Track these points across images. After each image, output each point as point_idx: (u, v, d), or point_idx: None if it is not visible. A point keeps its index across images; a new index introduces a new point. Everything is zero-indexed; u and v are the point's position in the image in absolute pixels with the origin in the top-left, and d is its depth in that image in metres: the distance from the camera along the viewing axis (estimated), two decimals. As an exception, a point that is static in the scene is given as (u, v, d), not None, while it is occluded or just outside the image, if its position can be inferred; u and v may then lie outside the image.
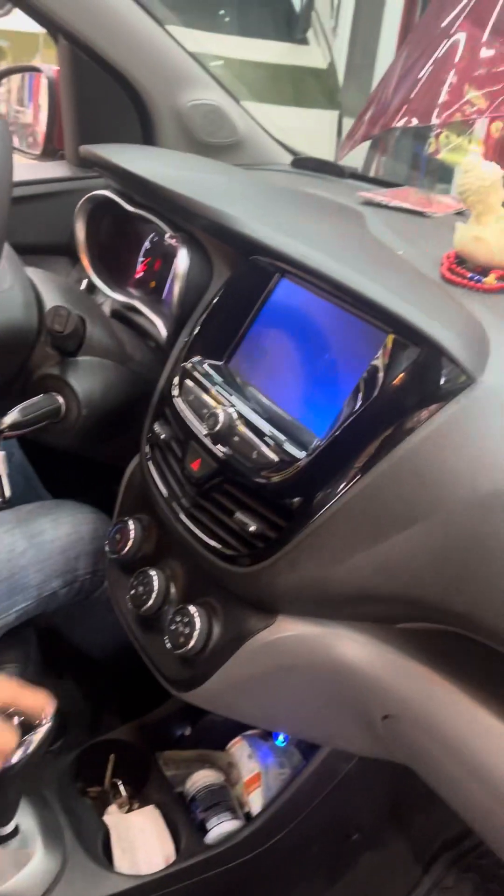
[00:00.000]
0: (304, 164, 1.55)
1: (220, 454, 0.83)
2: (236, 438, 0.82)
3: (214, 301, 0.96)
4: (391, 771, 0.98)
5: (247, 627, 0.80)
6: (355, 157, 1.67)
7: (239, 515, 0.79)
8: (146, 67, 1.35)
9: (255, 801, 1.10)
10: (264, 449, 0.78)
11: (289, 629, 0.78)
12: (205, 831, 1.05)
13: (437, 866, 1.22)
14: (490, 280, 0.89)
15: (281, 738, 1.17)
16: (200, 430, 0.85)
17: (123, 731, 1.17)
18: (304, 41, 3.57)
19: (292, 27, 3.54)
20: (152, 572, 0.90)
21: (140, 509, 1.00)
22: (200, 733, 1.21)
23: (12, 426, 0.93)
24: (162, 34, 1.33)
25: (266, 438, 0.79)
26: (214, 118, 1.46)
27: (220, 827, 1.05)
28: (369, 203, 1.23)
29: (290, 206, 1.08)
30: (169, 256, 1.23)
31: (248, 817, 1.09)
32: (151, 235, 1.28)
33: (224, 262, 1.01)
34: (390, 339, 0.75)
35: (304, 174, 1.52)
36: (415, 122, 1.49)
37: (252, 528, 0.77)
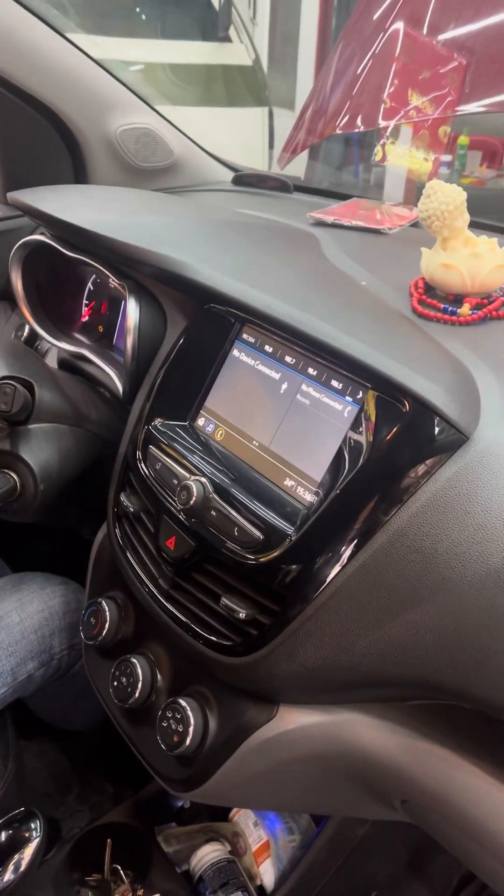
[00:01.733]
0: (246, 180, 1.49)
1: (197, 531, 0.76)
2: (213, 513, 0.75)
3: (172, 355, 0.89)
4: (407, 825, 0.93)
5: (246, 721, 0.73)
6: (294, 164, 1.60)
7: (226, 600, 0.72)
8: (70, 96, 1.27)
9: (267, 873, 1.04)
10: (246, 525, 0.71)
11: (292, 721, 0.72)
12: (217, 914, 0.99)
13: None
14: (464, 311, 0.83)
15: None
16: (172, 504, 0.78)
17: (119, 813, 1.10)
18: (226, 39, 3.48)
19: (214, 26, 3.45)
20: (134, 660, 0.82)
21: (113, 586, 0.92)
22: (200, 804, 1.15)
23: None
24: (84, 60, 1.25)
25: (247, 513, 0.73)
26: (147, 142, 1.38)
27: (233, 908, 0.99)
28: (320, 224, 1.17)
29: (241, 242, 1.00)
30: (115, 300, 1.15)
31: (262, 891, 1.03)
32: (93, 278, 1.20)
33: (177, 309, 0.93)
34: (370, 395, 0.69)
35: (246, 192, 1.45)
36: (359, 126, 1.44)
37: (242, 615, 0.71)
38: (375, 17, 1.48)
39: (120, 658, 0.84)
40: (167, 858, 1.06)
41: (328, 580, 0.65)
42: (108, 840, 1.08)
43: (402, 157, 1.30)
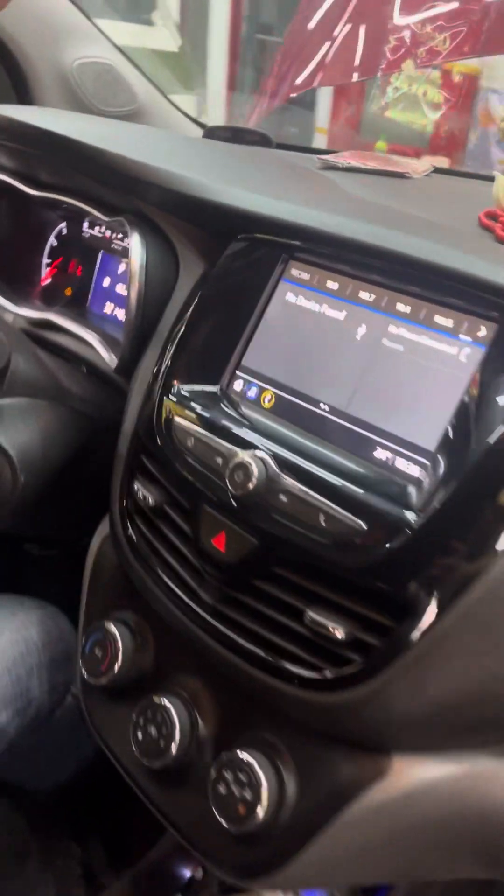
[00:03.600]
0: (219, 134, 1.29)
1: (259, 525, 0.56)
2: (283, 498, 0.55)
3: (195, 304, 0.69)
4: (483, 882, 0.75)
5: (344, 780, 0.54)
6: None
7: (313, 615, 0.53)
8: (15, 13, 1.04)
9: None
10: (339, 511, 0.52)
11: (413, 776, 0.52)
12: None
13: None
14: None
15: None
16: (219, 489, 0.58)
17: (117, 891, 0.87)
18: (148, 22, 3.28)
19: (136, 6, 3.24)
20: (166, 702, 0.61)
21: (122, 605, 0.71)
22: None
23: None
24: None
25: (335, 495, 0.53)
26: (109, 81, 1.17)
27: None
28: (331, 168, 0.99)
29: (258, 169, 0.82)
30: (90, 253, 0.94)
31: None
32: (58, 229, 0.98)
33: (193, 248, 0.73)
34: (489, 327, 0.52)
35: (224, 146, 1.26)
36: (356, 77, 1.28)
37: (339, 635, 0.51)
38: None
39: (142, 701, 0.63)
40: None
41: (476, 577, 0.47)
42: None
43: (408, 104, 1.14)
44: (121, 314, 0.89)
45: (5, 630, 0.80)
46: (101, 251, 0.93)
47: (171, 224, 0.73)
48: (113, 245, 0.89)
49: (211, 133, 1.30)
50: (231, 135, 1.29)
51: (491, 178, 1.02)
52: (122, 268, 0.90)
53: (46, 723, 0.84)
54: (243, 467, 0.56)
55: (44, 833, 1.21)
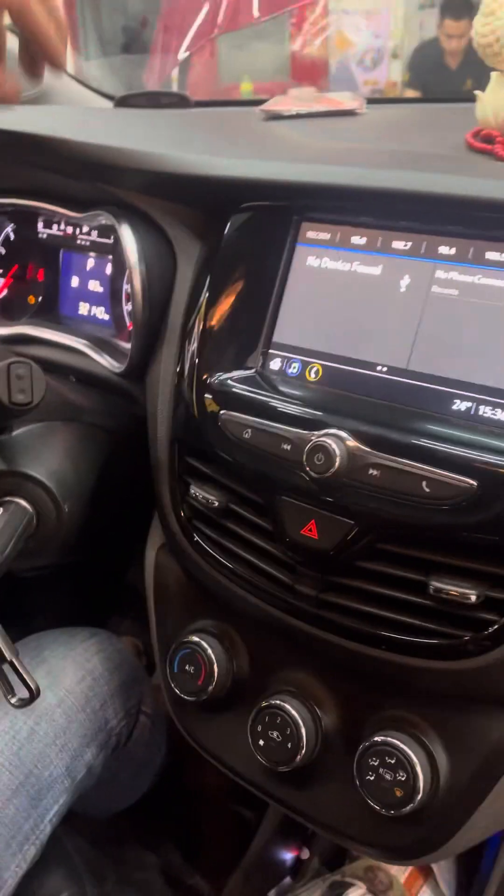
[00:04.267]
0: (133, 102, 1.22)
1: (352, 504, 0.54)
2: (374, 472, 0.52)
3: (208, 287, 0.65)
4: None
5: (499, 741, 0.53)
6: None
7: (437, 584, 0.51)
8: None
9: (430, 900, 0.85)
10: (442, 474, 0.50)
11: None
12: None
13: None
14: None
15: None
16: (296, 476, 0.55)
17: (233, 886, 0.85)
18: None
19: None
20: (283, 703, 0.59)
21: (197, 615, 0.67)
22: (322, 845, 0.93)
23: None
24: None
25: (430, 458, 0.51)
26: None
27: None
28: (277, 117, 0.95)
29: (217, 133, 0.77)
30: (48, 255, 0.88)
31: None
32: (4, 235, 0.91)
33: (186, 230, 0.69)
34: None
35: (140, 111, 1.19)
36: (257, 15, 1.23)
37: (473, 598, 0.50)
38: None
39: (255, 708, 0.60)
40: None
41: None
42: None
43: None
44: (101, 313, 0.84)
45: (68, 667, 0.75)
46: (62, 250, 0.87)
47: (159, 208, 0.68)
48: (79, 242, 0.83)
49: (124, 102, 1.23)
50: (147, 100, 1.22)
51: (415, 100, 1.00)
52: (91, 264, 0.84)
53: (125, 748, 0.81)
54: (322, 449, 0.53)
55: (116, 850, 1.19)
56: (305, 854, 0.92)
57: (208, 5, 1.31)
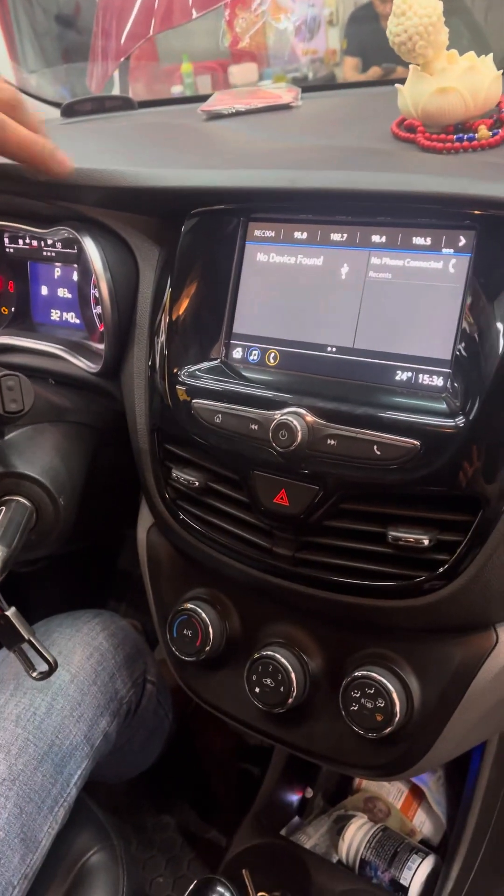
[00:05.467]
0: (79, 108, 1.27)
1: (316, 471, 0.61)
2: (332, 442, 0.60)
3: (169, 287, 0.71)
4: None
5: (460, 663, 0.61)
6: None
7: (395, 533, 0.58)
8: None
9: (423, 823, 0.94)
10: (390, 437, 0.57)
11: (519, 635, 0.60)
12: (404, 889, 0.87)
13: None
14: (484, 134, 0.72)
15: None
16: (264, 452, 0.62)
17: (245, 830, 0.94)
18: None
19: None
20: (274, 653, 0.67)
21: (189, 585, 0.75)
22: (323, 784, 1.01)
23: (3, 565, 0.63)
24: None
25: (378, 424, 0.58)
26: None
27: (420, 874, 0.87)
28: (217, 117, 1.01)
29: (164, 139, 0.83)
30: (16, 267, 0.93)
31: (429, 845, 0.92)
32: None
33: (144, 236, 0.75)
34: (479, 235, 0.57)
35: (88, 120, 1.24)
36: (195, 14, 1.27)
37: (426, 542, 0.57)
38: None
39: (248, 660, 0.68)
40: (318, 858, 0.92)
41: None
42: (244, 871, 0.92)
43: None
44: (72, 318, 0.90)
45: (77, 647, 0.82)
46: (29, 262, 0.92)
47: (117, 219, 0.74)
48: (45, 253, 0.89)
49: (70, 109, 1.27)
50: (93, 106, 1.27)
51: (347, 86, 1.05)
52: (58, 273, 0.90)
53: (136, 715, 0.89)
54: (285, 426, 0.60)
55: (135, 816, 1.27)
56: (310, 793, 1.01)
57: (142, 5, 1.35)
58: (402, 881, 0.88)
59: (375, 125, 0.79)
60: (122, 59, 1.42)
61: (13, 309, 0.94)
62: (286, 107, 1.00)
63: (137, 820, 1.28)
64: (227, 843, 0.96)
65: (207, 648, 0.70)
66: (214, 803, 1.28)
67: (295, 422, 0.60)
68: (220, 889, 0.74)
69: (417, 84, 0.74)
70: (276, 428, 0.61)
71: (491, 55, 0.72)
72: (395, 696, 0.61)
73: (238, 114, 0.99)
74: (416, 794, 0.96)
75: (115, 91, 1.53)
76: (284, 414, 0.61)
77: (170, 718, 1.02)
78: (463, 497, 0.56)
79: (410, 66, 0.73)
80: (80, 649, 0.82)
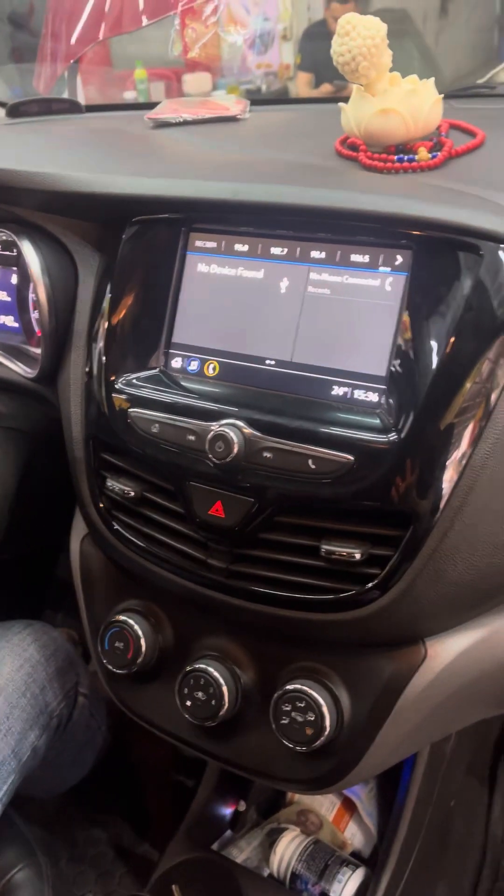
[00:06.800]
0: (25, 110, 1.25)
1: (252, 484, 0.61)
2: (268, 455, 0.60)
3: (108, 294, 0.70)
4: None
5: (390, 677, 0.61)
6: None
7: (328, 547, 0.58)
8: None
9: (355, 836, 0.94)
10: (324, 452, 0.58)
11: (446, 651, 0.61)
12: (334, 902, 0.88)
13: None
14: (423, 156, 0.74)
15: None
16: (201, 464, 0.62)
17: (177, 844, 0.93)
18: None
19: None
20: (206, 666, 0.66)
21: (122, 597, 0.74)
22: (257, 797, 1.01)
23: None
24: None
25: (313, 439, 0.59)
26: None
27: (350, 887, 0.88)
28: (164, 125, 1.00)
29: (109, 145, 0.82)
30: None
31: (359, 857, 0.93)
32: None
33: (84, 242, 0.74)
34: (416, 255, 0.58)
35: (34, 122, 1.22)
36: (145, 22, 1.26)
37: (357, 556, 0.58)
38: None
39: (180, 673, 0.67)
40: (249, 872, 0.92)
41: (461, 471, 0.54)
42: (174, 887, 0.91)
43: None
44: (10, 321, 0.88)
45: (6, 658, 0.80)
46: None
47: (57, 223, 0.73)
48: (-19, 255, 0.87)
49: (16, 110, 1.25)
50: (39, 108, 1.25)
51: (297, 101, 1.06)
52: (-4, 275, 0.88)
53: (67, 728, 0.87)
54: (222, 438, 0.60)
55: (66, 830, 1.25)
56: (242, 806, 1.00)
57: (93, 9, 1.34)
58: (331, 894, 0.88)
59: (321, 141, 0.80)
60: (72, 62, 1.41)
61: None
62: (233, 119, 1.01)
63: (68, 834, 1.26)
64: (160, 857, 0.95)
65: (139, 661, 0.69)
66: (148, 816, 1.26)
67: (232, 434, 0.60)
68: None
69: (360, 104, 0.75)
70: (213, 439, 0.60)
71: (433, 79, 0.74)
72: (325, 709, 0.61)
73: (185, 123, 0.99)
74: (348, 806, 0.96)
75: (66, 94, 1.51)
76: (222, 425, 0.61)
77: (103, 731, 1.01)
78: (395, 512, 0.56)
79: (354, 86, 0.74)
80: (10, 660, 0.80)
